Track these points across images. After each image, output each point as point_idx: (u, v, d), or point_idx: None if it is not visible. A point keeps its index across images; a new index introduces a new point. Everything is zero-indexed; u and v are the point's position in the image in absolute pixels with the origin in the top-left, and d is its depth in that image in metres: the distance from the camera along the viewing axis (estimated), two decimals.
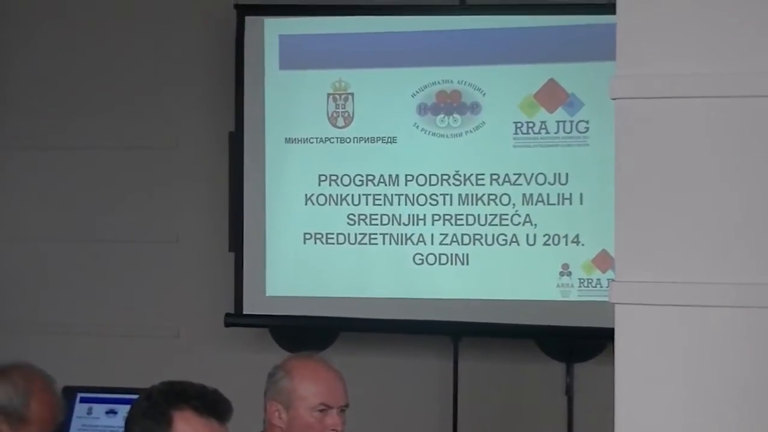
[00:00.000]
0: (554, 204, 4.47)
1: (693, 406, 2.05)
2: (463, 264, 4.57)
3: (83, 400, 3.65)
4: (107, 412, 3.63)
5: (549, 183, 4.47)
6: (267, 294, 4.77)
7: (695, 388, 2.05)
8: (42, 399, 2.91)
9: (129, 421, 2.37)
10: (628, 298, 2.07)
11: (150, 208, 5.09)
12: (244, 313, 4.75)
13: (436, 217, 4.59)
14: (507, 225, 4.52)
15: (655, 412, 2.09)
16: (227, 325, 4.73)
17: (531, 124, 4.48)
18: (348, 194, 4.67)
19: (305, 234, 4.69)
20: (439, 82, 4.59)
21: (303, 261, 4.74)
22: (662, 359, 2.07)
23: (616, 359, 2.10)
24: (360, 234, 4.66)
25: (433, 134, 4.58)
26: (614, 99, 2.03)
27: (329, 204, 4.69)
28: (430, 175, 4.59)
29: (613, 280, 2.09)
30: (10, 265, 5.23)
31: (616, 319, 2.09)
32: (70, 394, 3.50)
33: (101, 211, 5.15)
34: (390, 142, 4.62)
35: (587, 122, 4.43)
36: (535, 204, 4.49)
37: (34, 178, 5.21)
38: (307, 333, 4.68)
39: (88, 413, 3.63)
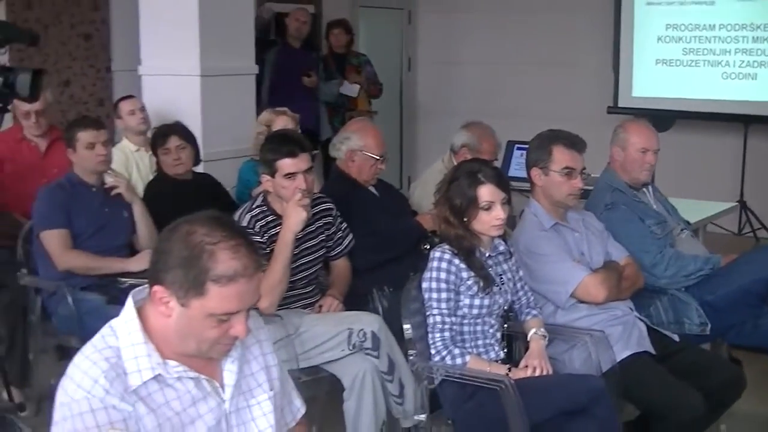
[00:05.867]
0: None
1: None
2: (753, 80, 6.64)
3: (518, 149, 4.85)
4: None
5: None
6: (633, 95, 7.07)
7: None
8: (488, 139, 3.89)
9: (528, 151, 3.02)
10: None
11: (560, 43, 7.31)
12: (619, 106, 7.09)
13: (737, 50, 6.65)
14: None
15: None
16: (609, 112, 7.02)
17: None
18: (683, 36, 6.84)
19: (656, 59, 6.97)
20: None
21: (656, 74, 6.95)
22: None
23: None
24: (689, 60, 6.85)
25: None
26: None
27: (672, 42, 6.89)
28: (735, 24, 6.65)
29: None
30: (453, 80, 7.65)
31: None
32: (511, 146, 4.85)
33: (527, 40, 7.35)
34: (709, 4, 6.74)
35: None
36: None
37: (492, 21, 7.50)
38: (657, 119, 6.13)
39: (520, 156, 4.63)
